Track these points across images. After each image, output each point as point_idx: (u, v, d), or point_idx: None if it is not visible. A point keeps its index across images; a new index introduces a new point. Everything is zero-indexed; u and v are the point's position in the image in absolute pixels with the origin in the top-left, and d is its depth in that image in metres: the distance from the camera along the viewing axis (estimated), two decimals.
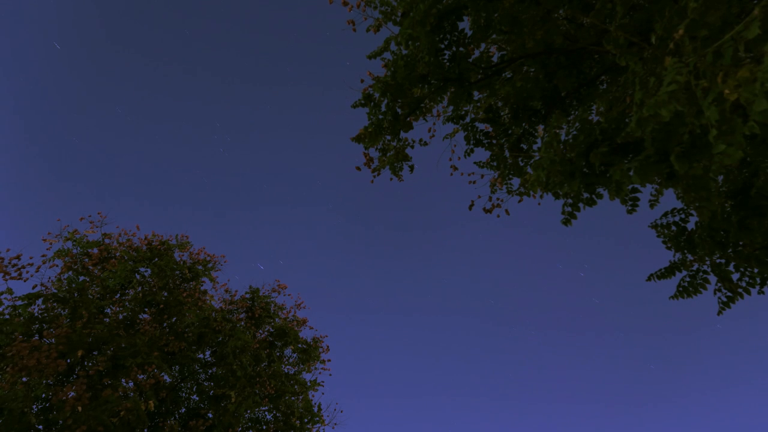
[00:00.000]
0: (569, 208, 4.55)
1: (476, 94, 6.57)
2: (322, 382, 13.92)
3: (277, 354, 13.57)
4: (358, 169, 7.00)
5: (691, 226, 5.25)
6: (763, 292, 4.90)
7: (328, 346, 14.30)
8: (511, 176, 6.65)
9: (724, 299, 4.94)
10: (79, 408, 8.45)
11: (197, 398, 12.14)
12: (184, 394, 12.23)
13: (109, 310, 11.16)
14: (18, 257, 10.04)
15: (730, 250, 4.80)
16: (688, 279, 5.14)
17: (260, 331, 13.60)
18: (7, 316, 9.56)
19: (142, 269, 11.79)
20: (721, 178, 4.79)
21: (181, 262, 12.53)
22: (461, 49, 5.76)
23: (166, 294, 11.81)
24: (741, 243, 4.72)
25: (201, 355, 12.54)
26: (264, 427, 12.44)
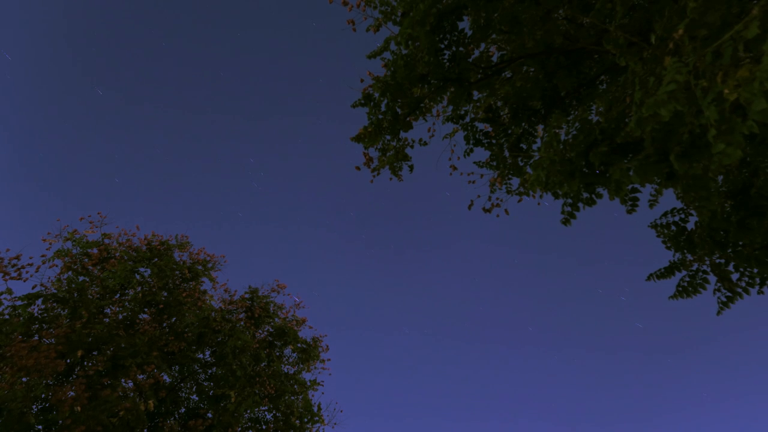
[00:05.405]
0: (569, 208, 4.56)
1: (476, 94, 6.56)
2: (322, 381, 13.92)
3: (277, 354, 13.57)
4: (358, 168, 7.00)
5: (690, 226, 5.25)
6: (762, 292, 4.90)
7: (327, 346, 14.30)
8: (510, 176, 6.65)
9: (724, 299, 4.94)
10: (78, 408, 8.45)
11: (197, 398, 12.14)
12: (183, 394, 12.23)
13: (108, 310, 11.16)
14: (18, 257, 10.04)
15: (729, 250, 4.80)
16: (687, 279, 5.15)
17: (260, 330, 13.60)
18: (7, 317, 9.55)
19: (141, 269, 11.79)
20: (720, 177, 4.79)
21: (181, 262, 12.53)
22: (461, 48, 5.76)
23: (165, 294, 11.81)
24: (741, 243, 4.72)
25: (201, 355, 12.55)
26: (264, 427, 12.44)
